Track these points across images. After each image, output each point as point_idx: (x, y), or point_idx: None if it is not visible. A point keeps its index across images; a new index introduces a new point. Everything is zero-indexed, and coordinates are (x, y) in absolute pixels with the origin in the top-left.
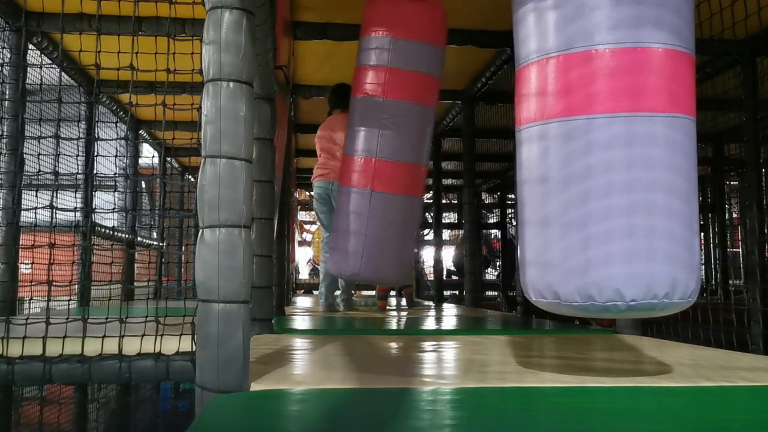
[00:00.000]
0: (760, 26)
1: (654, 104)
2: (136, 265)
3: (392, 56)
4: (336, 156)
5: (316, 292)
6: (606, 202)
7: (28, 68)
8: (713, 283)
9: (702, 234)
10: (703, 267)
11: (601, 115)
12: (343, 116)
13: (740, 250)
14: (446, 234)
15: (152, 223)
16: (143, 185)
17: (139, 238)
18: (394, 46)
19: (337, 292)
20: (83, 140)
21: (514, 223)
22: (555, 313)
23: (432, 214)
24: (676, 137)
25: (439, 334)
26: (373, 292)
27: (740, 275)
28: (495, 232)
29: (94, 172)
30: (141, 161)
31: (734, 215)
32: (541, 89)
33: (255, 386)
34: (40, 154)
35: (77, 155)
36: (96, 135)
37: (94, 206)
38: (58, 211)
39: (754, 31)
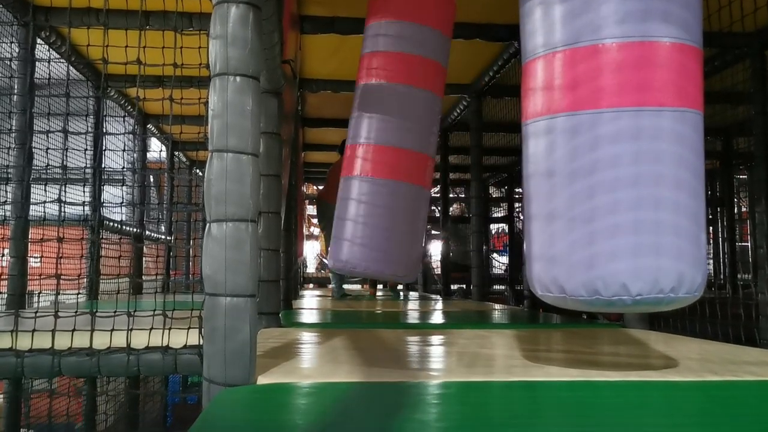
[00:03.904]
0: None
1: (661, 98)
2: (144, 258)
3: (394, 40)
4: (329, 186)
5: (327, 286)
6: (613, 196)
7: (37, 63)
8: (721, 277)
9: (711, 228)
10: (711, 261)
11: (608, 110)
12: None
13: (749, 243)
14: None
15: (160, 217)
16: (151, 179)
17: (147, 232)
18: (396, 29)
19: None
20: (91, 134)
21: (521, 217)
22: (561, 307)
23: (440, 207)
24: (684, 131)
25: (445, 328)
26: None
27: (749, 269)
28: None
29: (103, 166)
30: (149, 155)
31: (743, 209)
32: (547, 83)
33: (262, 380)
34: (48, 149)
35: (85, 149)
36: (104, 129)
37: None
38: (66, 205)
39: (763, 24)
